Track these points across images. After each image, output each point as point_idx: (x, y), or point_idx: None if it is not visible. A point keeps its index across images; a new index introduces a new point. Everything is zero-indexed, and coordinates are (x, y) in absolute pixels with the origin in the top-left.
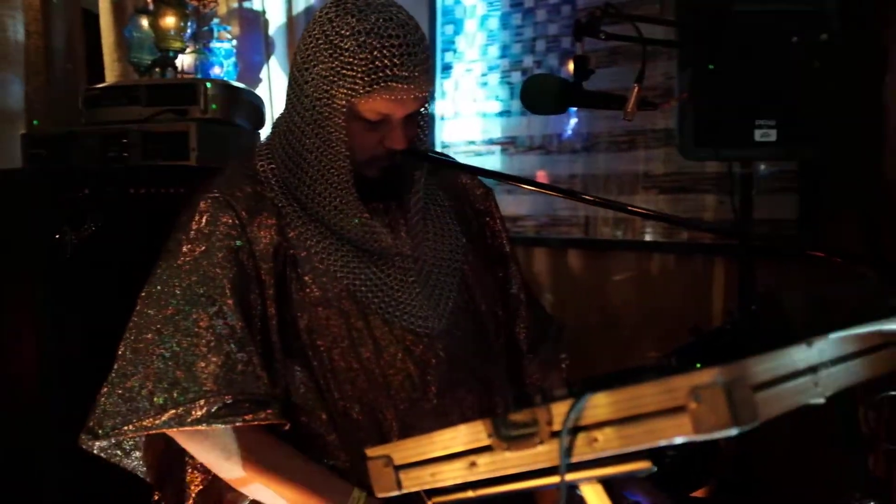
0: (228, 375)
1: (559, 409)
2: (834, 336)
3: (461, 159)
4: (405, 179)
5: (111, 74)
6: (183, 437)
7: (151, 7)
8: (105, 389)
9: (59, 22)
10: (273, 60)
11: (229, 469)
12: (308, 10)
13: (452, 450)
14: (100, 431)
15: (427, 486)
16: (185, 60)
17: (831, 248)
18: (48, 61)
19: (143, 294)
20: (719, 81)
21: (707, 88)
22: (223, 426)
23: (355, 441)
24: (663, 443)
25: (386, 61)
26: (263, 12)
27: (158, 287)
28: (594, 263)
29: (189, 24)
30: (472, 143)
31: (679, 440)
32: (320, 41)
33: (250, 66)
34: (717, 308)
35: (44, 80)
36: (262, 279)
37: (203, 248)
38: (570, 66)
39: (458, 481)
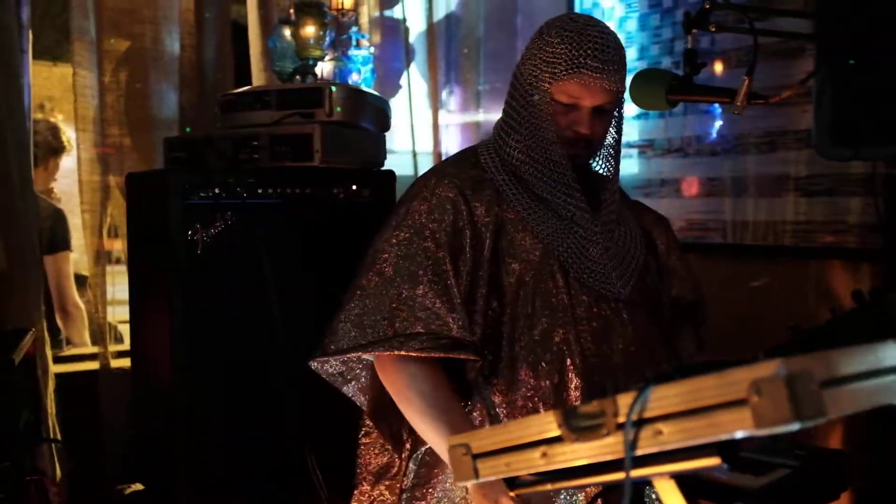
0: (439, 318)
1: (625, 401)
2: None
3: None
4: (594, 175)
5: (258, 83)
6: (384, 364)
7: (293, 18)
8: (341, 316)
9: (211, 35)
10: (413, 67)
11: (402, 399)
12: (448, 17)
13: (525, 440)
14: (331, 348)
15: (502, 475)
16: (324, 68)
17: None
18: (200, 72)
19: (375, 246)
20: (859, 76)
21: (846, 83)
22: (424, 355)
23: (534, 386)
24: (724, 437)
25: (581, 51)
26: (404, 20)
27: (391, 239)
28: (733, 269)
29: (328, 32)
30: None
31: (740, 434)
32: (535, 43)
33: (390, 72)
34: None
35: (196, 89)
36: (479, 240)
37: (430, 214)
38: (717, 66)
39: (531, 471)
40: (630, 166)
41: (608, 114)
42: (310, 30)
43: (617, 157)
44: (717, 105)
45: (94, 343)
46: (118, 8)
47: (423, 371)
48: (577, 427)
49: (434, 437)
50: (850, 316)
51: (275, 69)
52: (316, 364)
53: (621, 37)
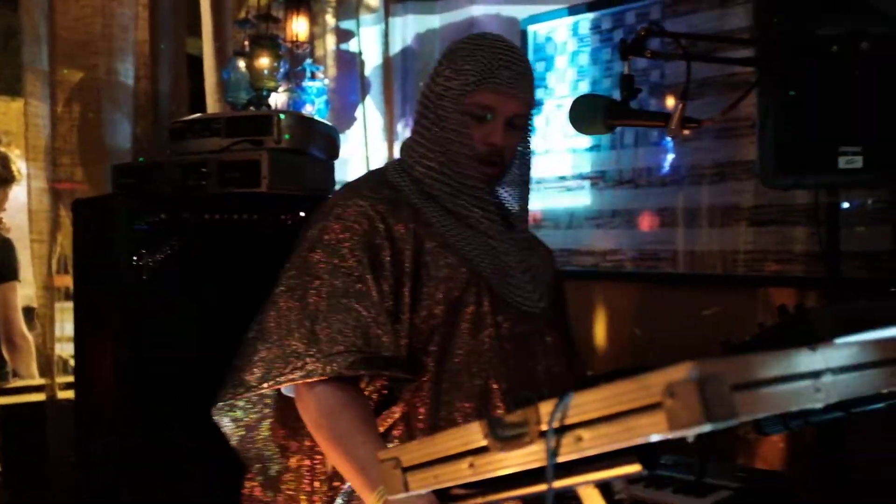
0: (365, 335)
1: (546, 409)
2: (842, 341)
3: (553, 195)
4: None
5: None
6: (304, 393)
7: (248, 49)
8: (258, 346)
9: (166, 66)
10: (368, 100)
11: (318, 428)
12: (405, 51)
13: (453, 451)
14: (252, 384)
15: (431, 487)
16: (278, 99)
17: None
18: (155, 103)
19: (290, 268)
20: (800, 107)
21: (788, 114)
22: (353, 373)
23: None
24: (640, 441)
25: (494, 62)
26: (360, 53)
27: (308, 259)
28: (682, 298)
29: (282, 64)
30: (563, 178)
31: (655, 437)
32: (446, 60)
33: (346, 105)
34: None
35: (151, 120)
36: (399, 257)
37: (344, 231)
38: (669, 100)
39: (459, 482)
40: (582, 197)
41: (519, 130)
42: (264, 61)
43: (526, 178)
44: (668, 138)
45: (41, 375)
46: (72, 39)
47: (346, 395)
48: (503, 436)
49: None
50: (775, 329)
51: (228, 100)
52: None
53: (573, 71)
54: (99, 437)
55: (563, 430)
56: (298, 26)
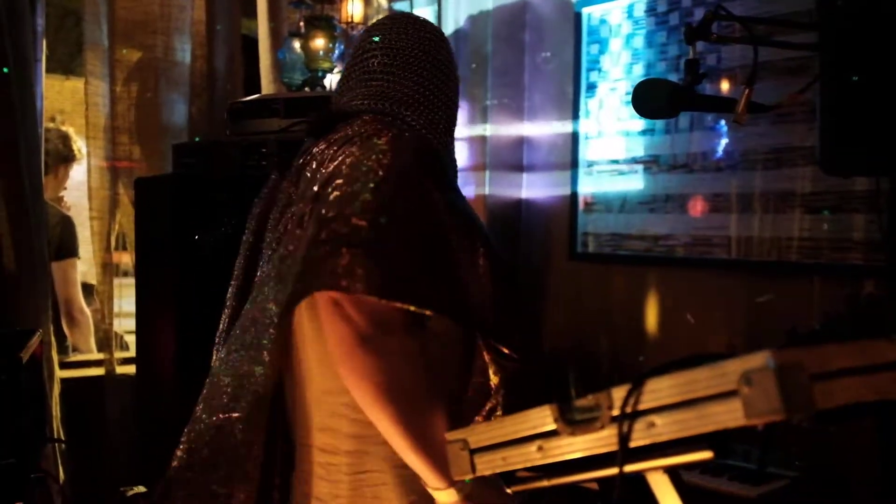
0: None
1: (619, 394)
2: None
3: (605, 178)
4: None
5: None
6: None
7: (303, 30)
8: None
9: (222, 46)
10: None
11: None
12: (457, 32)
13: (521, 434)
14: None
15: (499, 470)
16: (332, 80)
17: None
18: (211, 83)
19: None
20: (863, 90)
21: (849, 100)
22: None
23: None
24: (715, 428)
25: None
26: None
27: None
28: (735, 284)
29: (337, 45)
30: (616, 161)
31: (732, 425)
32: (443, 48)
33: None
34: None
35: (206, 100)
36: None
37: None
38: (724, 84)
39: (527, 465)
40: (635, 182)
41: None
42: (319, 42)
43: None
44: (723, 122)
45: (99, 350)
46: (131, 19)
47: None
48: (573, 420)
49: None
50: (844, 318)
51: (284, 80)
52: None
53: (628, 54)
54: (159, 412)
55: (635, 415)
56: (353, 7)
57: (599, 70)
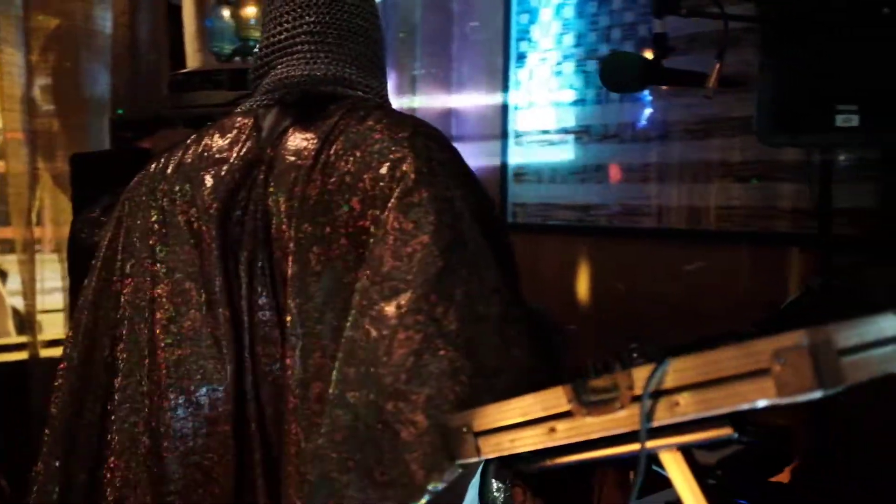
0: None
1: (640, 374)
2: None
3: (535, 148)
4: None
5: (193, 64)
6: None
7: None
8: None
9: (145, 14)
10: None
11: None
12: (385, 1)
13: (532, 416)
14: None
15: (506, 452)
16: None
17: None
18: (133, 52)
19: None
20: (800, 64)
21: (787, 72)
22: None
23: None
24: (745, 406)
25: None
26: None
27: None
28: (666, 253)
29: None
30: (546, 132)
31: (762, 403)
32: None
33: None
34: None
35: (129, 70)
36: None
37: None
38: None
39: (538, 447)
40: (566, 152)
41: None
42: (250, 10)
43: None
44: (648, 93)
45: (20, 333)
46: None
47: None
48: (588, 401)
49: None
50: (827, 290)
51: (212, 50)
52: None
53: (558, 25)
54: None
55: (658, 394)
56: None
57: (529, 40)
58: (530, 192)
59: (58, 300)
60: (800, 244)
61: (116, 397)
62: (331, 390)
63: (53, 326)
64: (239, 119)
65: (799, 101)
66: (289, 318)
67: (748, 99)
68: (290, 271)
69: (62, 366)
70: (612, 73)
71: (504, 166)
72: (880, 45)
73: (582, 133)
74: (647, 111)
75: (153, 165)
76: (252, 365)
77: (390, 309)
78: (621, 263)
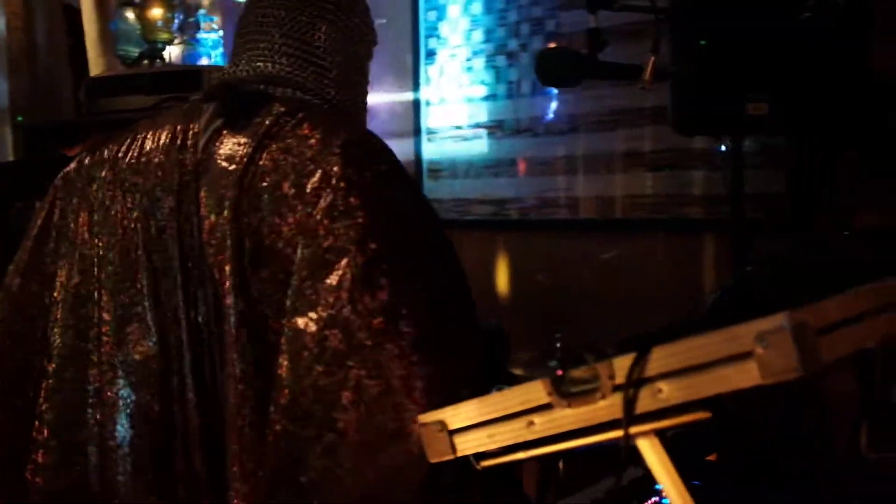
0: None
1: (621, 364)
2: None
3: (448, 144)
4: None
5: (96, 68)
6: None
7: None
8: None
9: (41, 17)
10: None
11: None
12: None
13: (509, 410)
14: None
15: (483, 448)
16: (172, 52)
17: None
18: (31, 57)
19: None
20: (711, 55)
21: (699, 63)
22: None
23: None
24: (730, 390)
25: None
26: (244, 2)
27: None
28: (581, 245)
29: (176, 15)
30: (459, 127)
31: (745, 386)
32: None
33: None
34: (708, 284)
35: (27, 75)
36: None
37: None
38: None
39: (517, 441)
40: (480, 147)
41: None
42: (157, 11)
43: None
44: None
45: None
46: None
47: None
48: (568, 393)
49: None
50: (751, 277)
51: (118, 53)
52: None
53: (467, 21)
54: None
55: (640, 382)
56: None
57: (438, 37)
58: (445, 189)
59: None
60: (713, 230)
61: (51, 381)
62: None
63: None
64: (174, 118)
65: (710, 90)
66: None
67: (658, 89)
68: (223, 276)
69: None
70: (547, 69)
71: (419, 162)
72: (789, 34)
73: (495, 128)
74: (559, 105)
75: (88, 157)
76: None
77: (305, 321)
78: (539, 255)
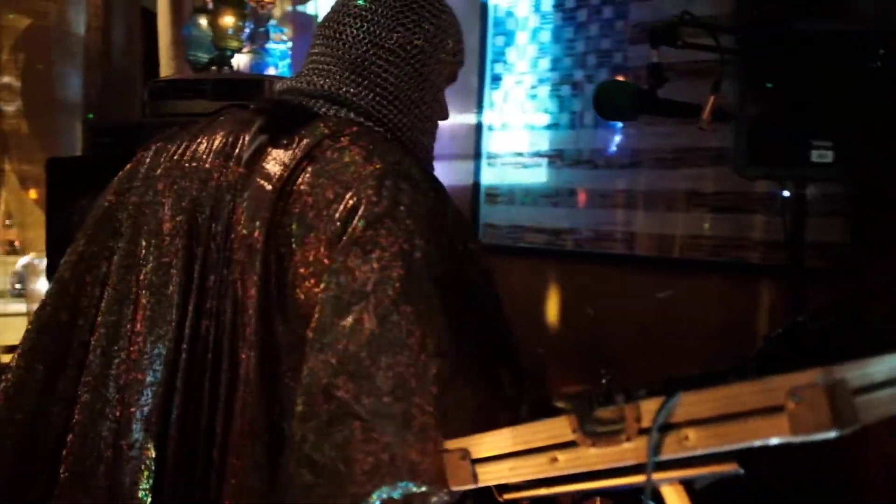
0: None
1: (648, 407)
2: None
3: (508, 170)
4: None
5: (166, 71)
6: None
7: (211, 6)
8: None
9: (120, 19)
10: None
11: None
12: None
13: (533, 444)
14: None
15: (504, 481)
16: (240, 60)
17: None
18: (106, 57)
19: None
20: (777, 100)
21: (765, 106)
22: None
23: None
24: (758, 443)
25: (461, 33)
26: (317, 17)
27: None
28: (636, 280)
29: (247, 24)
30: (520, 154)
31: (774, 440)
32: (416, 7)
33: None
34: (762, 328)
35: (101, 74)
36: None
37: None
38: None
39: (538, 476)
40: (539, 175)
41: None
42: (228, 20)
43: None
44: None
45: None
46: None
47: None
48: (594, 432)
49: None
50: (822, 324)
51: (188, 58)
52: None
53: (534, 48)
54: None
55: (666, 428)
56: None
57: (505, 62)
58: (501, 214)
59: (20, 306)
60: (770, 275)
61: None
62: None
63: (11, 332)
64: (229, 125)
65: (775, 134)
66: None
67: (720, 130)
68: (245, 296)
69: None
70: (606, 101)
71: (476, 186)
72: (855, 83)
73: (555, 157)
74: (621, 138)
75: (148, 155)
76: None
77: (316, 363)
78: (591, 288)
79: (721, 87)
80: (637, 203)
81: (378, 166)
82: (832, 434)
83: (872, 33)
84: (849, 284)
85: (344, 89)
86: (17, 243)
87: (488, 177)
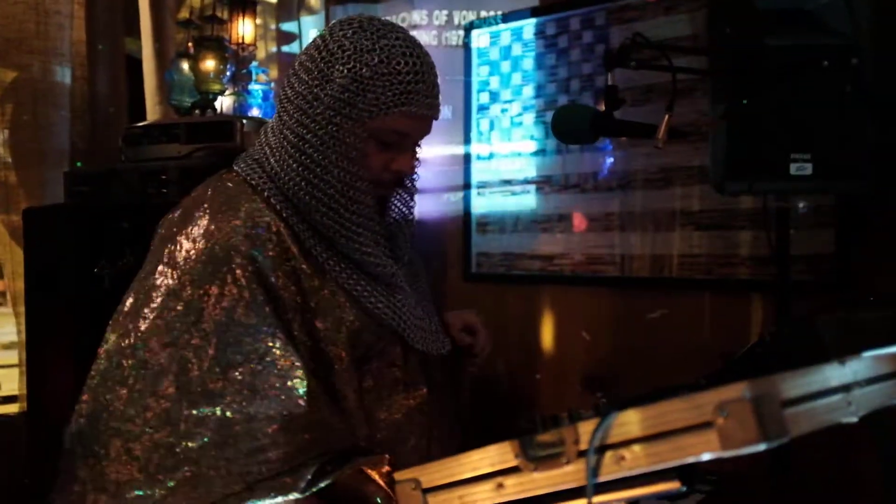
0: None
1: (585, 428)
2: (868, 355)
3: (497, 199)
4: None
5: (152, 116)
6: None
7: (192, 51)
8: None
9: (104, 68)
10: None
11: None
12: None
13: (480, 471)
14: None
15: None
16: (224, 102)
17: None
18: (92, 105)
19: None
20: (752, 115)
21: (740, 122)
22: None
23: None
24: (691, 459)
25: (410, 78)
26: None
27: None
28: (627, 303)
29: (228, 66)
30: (508, 182)
31: (706, 456)
32: (337, 56)
33: None
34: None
35: (88, 123)
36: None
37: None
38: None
39: (487, 503)
40: (528, 202)
41: (417, 144)
42: (210, 63)
43: (415, 188)
44: (609, 143)
45: None
46: (4, 37)
47: None
48: (535, 456)
49: None
50: (779, 339)
51: (172, 103)
52: None
53: (518, 76)
54: (55, 456)
55: (603, 448)
56: (244, 28)
57: (489, 91)
58: (493, 243)
59: (13, 356)
60: (760, 290)
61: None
62: None
63: (7, 382)
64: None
65: (752, 150)
66: None
67: (705, 148)
68: None
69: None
70: (563, 126)
71: (468, 216)
72: (828, 94)
73: (543, 183)
74: (608, 161)
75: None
76: None
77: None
78: (585, 312)
79: (685, 105)
80: (626, 225)
81: (175, 211)
82: (761, 447)
83: (844, 46)
84: (835, 295)
85: (265, 142)
86: (9, 295)
87: (479, 206)
